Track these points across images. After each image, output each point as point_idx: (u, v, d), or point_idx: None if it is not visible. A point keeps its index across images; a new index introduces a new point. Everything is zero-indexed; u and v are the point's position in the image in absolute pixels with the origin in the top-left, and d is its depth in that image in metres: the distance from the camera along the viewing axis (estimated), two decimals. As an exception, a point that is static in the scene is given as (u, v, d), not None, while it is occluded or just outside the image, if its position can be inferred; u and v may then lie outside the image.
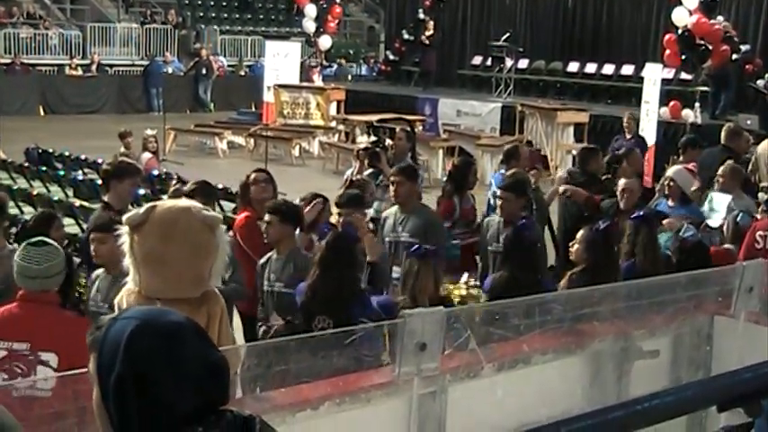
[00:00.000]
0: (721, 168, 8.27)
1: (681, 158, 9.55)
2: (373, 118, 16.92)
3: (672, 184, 7.98)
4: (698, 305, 5.47)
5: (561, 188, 8.61)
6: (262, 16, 33.14)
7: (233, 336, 4.52)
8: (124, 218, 3.82)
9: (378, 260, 6.50)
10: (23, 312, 4.32)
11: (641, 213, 6.65)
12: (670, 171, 8.25)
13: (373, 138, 10.09)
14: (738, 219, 7.32)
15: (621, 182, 7.85)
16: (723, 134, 10.06)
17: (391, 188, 7.23)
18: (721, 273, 5.68)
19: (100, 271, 5.67)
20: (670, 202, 7.91)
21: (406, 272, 5.73)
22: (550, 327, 4.80)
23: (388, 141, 9.96)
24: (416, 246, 6.01)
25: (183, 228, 3.72)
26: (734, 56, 17.92)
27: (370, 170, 8.79)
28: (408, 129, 11.20)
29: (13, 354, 4.22)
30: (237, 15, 32.75)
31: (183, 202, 4.14)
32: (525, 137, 17.29)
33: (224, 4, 32.84)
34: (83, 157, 14.30)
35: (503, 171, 8.98)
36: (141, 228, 3.73)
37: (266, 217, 6.21)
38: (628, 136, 12.40)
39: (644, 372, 5.16)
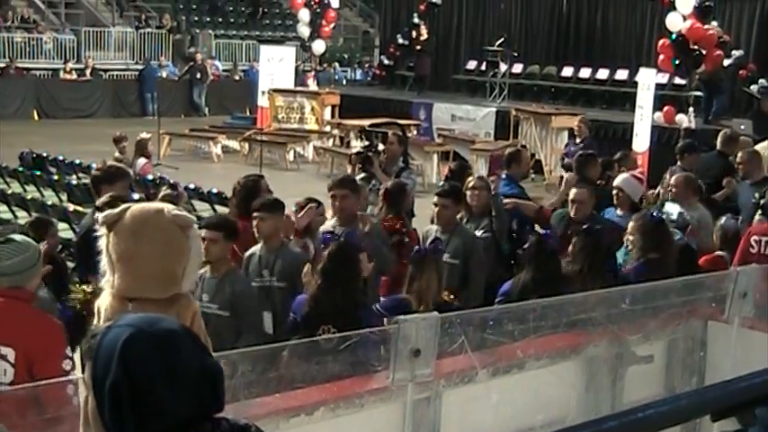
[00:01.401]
0: (674, 178, 8.18)
1: (679, 163, 9.57)
2: (367, 123, 16.94)
3: (620, 193, 7.79)
4: (692, 310, 5.48)
5: (505, 201, 8.25)
6: (256, 21, 33.15)
7: (207, 339, 4.51)
8: (100, 217, 3.83)
9: (370, 276, 6.24)
10: None
11: (587, 226, 6.44)
12: (618, 180, 8.03)
13: (365, 142, 10.08)
14: (723, 222, 7.35)
15: (572, 192, 7.56)
16: (719, 140, 10.12)
17: (331, 202, 6.98)
18: (715, 278, 5.69)
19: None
20: (619, 211, 7.71)
21: (411, 273, 5.71)
22: (545, 332, 4.80)
23: (381, 146, 9.96)
24: (418, 247, 6.02)
25: (153, 226, 3.74)
26: (726, 61, 17.98)
27: (363, 174, 8.78)
28: (400, 133, 11.20)
29: None
30: (232, 20, 32.76)
31: (158, 203, 4.14)
32: (520, 141, 17.31)
33: (218, 7, 32.84)
34: (77, 161, 14.28)
35: (504, 174, 8.98)
36: (115, 226, 3.75)
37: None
38: (578, 140, 12.44)
39: (638, 377, 5.17)
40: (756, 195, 8.29)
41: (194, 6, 32.53)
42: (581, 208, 7.35)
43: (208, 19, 32.27)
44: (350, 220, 6.79)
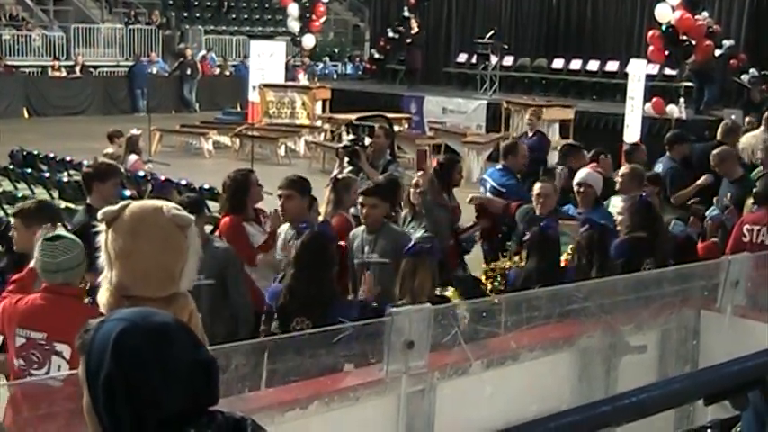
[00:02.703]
0: (621, 170, 7.97)
1: (668, 154, 9.55)
2: (356, 117, 16.91)
3: (587, 189, 7.33)
4: (684, 300, 5.49)
5: (468, 197, 8.10)
6: (246, 16, 33.11)
7: (204, 339, 4.51)
8: (100, 213, 3.82)
9: (372, 299, 5.81)
10: (44, 303, 4.43)
11: (544, 224, 6.34)
12: (581, 175, 7.50)
13: (352, 136, 10.02)
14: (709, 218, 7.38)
15: (536, 186, 7.39)
16: (720, 131, 10.11)
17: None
18: (707, 267, 5.70)
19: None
20: (579, 209, 7.29)
21: (403, 272, 5.68)
22: (538, 323, 4.81)
23: (367, 139, 9.91)
24: (412, 244, 6.00)
25: (151, 224, 3.73)
26: (717, 51, 18.00)
27: (350, 168, 8.75)
28: (387, 126, 11.15)
29: (30, 342, 4.37)
30: (222, 15, 32.70)
31: (158, 201, 4.14)
32: (511, 134, 17.31)
33: (208, 4, 32.76)
34: (68, 158, 14.25)
35: (500, 166, 8.98)
36: (114, 223, 3.74)
37: (283, 191, 6.46)
38: (530, 134, 12.47)
39: (632, 367, 5.18)
40: (729, 195, 8.24)
41: (184, 2, 32.45)
42: (547, 202, 7.20)
43: (197, 15, 32.20)
44: (295, 221, 6.31)
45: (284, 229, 6.49)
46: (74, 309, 4.38)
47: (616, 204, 7.37)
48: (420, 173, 7.70)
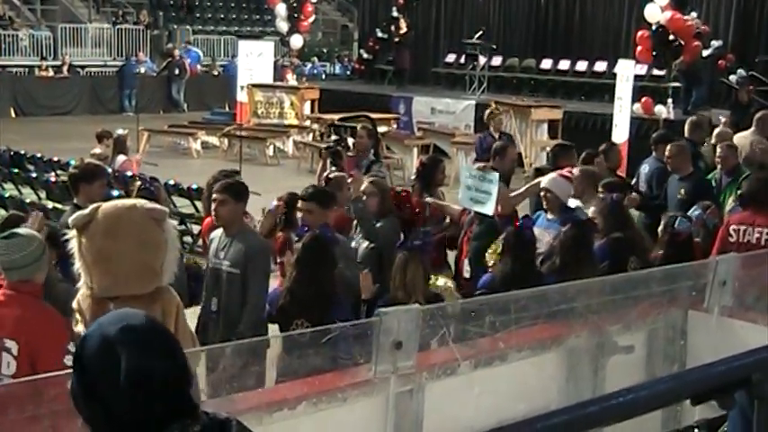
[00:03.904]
0: (574, 171, 7.54)
1: (654, 154, 9.58)
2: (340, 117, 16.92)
3: (549, 194, 6.99)
4: (672, 300, 5.51)
5: (429, 200, 7.79)
6: (234, 16, 33.05)
7: (191, 332, 4.51)
8: (69, 220, 3.80)
9: (371, 298, 5.86)
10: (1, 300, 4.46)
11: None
12: (545, 180, 7.16)
13: (335, 136, 10.00)
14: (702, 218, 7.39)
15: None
16: (686, 127, 10.27)
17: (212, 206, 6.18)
18: (695, 267, 5.72)
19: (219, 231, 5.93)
20: (549, 215, 6.96)
21: (395, 267, 5.70)
22: (526, 324, 4.82)
23: (351, 140, 9.90)
24: (403, 240, 6.00)
25: (127, 223, 3.72)
26: (705, 52, 18.06)
27: (333, 169, 8.75)
28: (370, 126, 11.15)
29: None
30: (210, 15, 32.63)
31: (129, 200, 4.12)
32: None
33: (196, 3, 32.68)
34: (55, 158, 14.20)
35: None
36: (87, 228, 3.72)
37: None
38: (496, 135, 12.50)
39: (619, 367, 5.19)
40: (683, 191, 8.24)
41: (171, 2, 32.37)
42: (550, 197, 6.97)
43: (185, 14, 32.12)
44: (228, 226, 5.98)
45: (217, 235, 6.08)
46: (27, 306, 4.38)
47: (571, 205, 7.09)
48: (351, 177, 7.45)
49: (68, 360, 4.25)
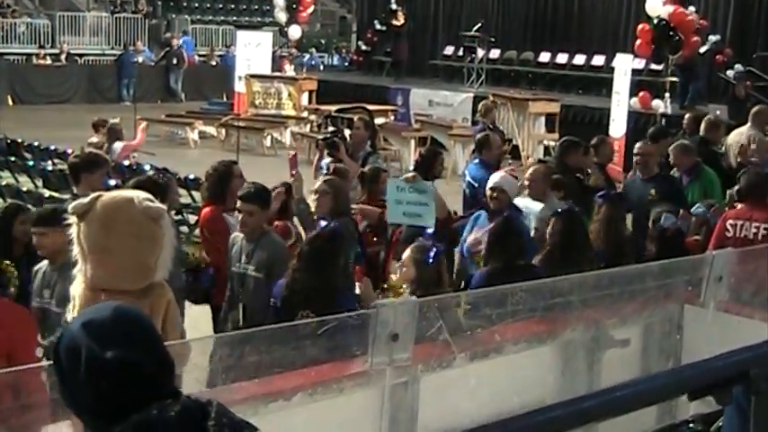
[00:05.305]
0: (530, 172, 7.49)
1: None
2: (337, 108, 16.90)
3: (500, 194, 6.87)
4: (668, 294, 5.51)
5: (357, 207, 7.49)
6: (233, 6, 32.98)
7: (182, 329, 4.49)
8: (70, 206, 3.79)
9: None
10: None
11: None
12: (494, 179, 7.03)
13: (331, 128, 9.98)
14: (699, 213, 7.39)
15: (491, 180, 7.04)
16: (702, 126, 10.12)
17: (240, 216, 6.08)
18: (691, 262, 5.72)
19: (44, 263, 5.30)
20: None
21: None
22: (522, 317, 4.82)
23: (347, 131, 9.88)
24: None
25: (125, 217, 3.70)
26: (703, 47, 18.04)
27: (329, 160, 8.73)
28: (367, 118, 11.13)
29: None
30: (208, 5, 32.55)
31: (129, 192, 4.09)
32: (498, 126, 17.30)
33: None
34: (52, 147, 14.18)
35: (476, 160, 8.95)
36: (86, 216, 3.70)
37: (244, 206, 5.94)
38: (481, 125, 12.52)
39: (615, 360, 5.19)
40: (653, 192, 7.89)
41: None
42: (502, 197, 6.91)
43: (184, 4, 32.05)
44: (252, 232, 5.99)
45: (237, 240, 6.10)
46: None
47: (529, 211, 6.99)
48: (293, 176, 7.36)
49: (39, 352, 4.28)
